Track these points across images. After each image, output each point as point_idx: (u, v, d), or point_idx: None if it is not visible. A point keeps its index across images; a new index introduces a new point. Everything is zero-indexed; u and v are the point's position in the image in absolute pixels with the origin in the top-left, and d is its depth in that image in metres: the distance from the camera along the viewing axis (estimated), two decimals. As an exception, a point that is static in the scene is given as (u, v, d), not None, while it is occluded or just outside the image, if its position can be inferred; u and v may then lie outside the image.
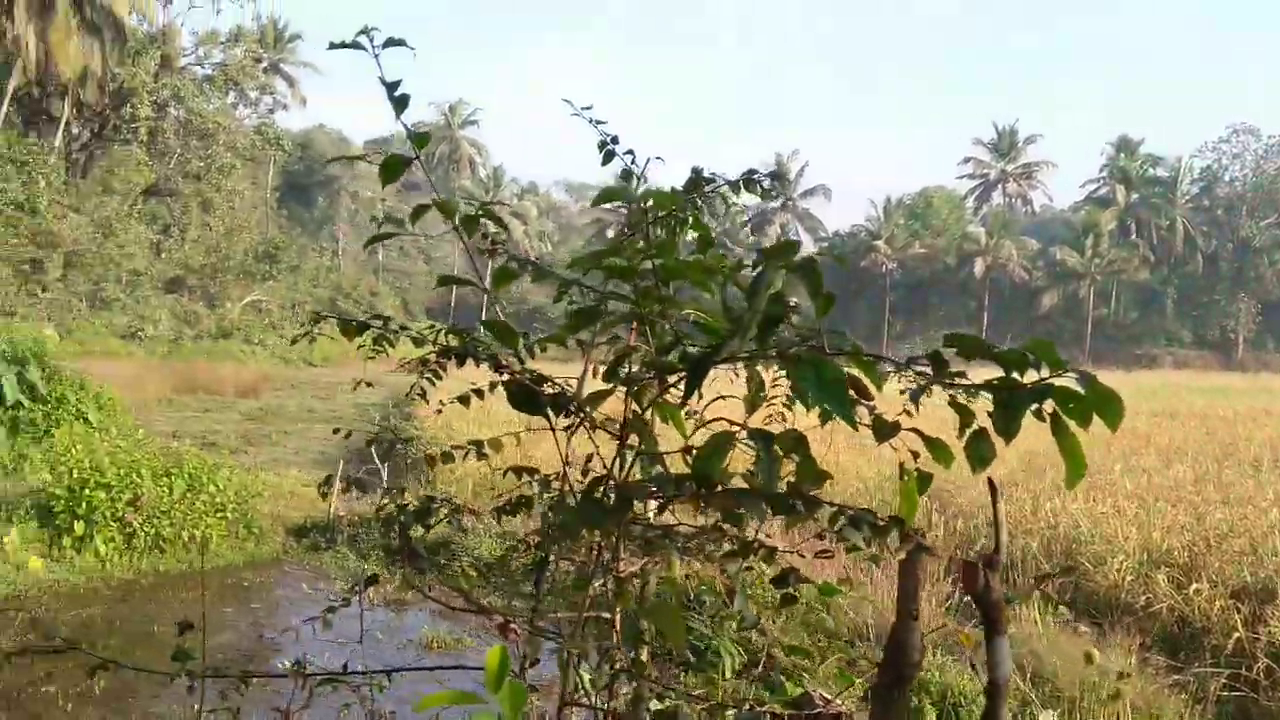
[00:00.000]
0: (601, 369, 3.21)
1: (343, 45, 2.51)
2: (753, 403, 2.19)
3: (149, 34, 47.81)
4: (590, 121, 3.24)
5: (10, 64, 36.07)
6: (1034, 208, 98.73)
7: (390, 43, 2.52)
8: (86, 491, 12.64)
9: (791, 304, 1.92)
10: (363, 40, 2.49)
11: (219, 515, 13.57)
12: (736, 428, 2.10)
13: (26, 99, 45.04)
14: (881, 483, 14.79)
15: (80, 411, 17.79)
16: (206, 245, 56.48)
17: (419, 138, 2.61)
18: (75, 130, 50.08)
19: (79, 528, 12.55)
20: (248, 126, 58.35)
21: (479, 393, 3.35)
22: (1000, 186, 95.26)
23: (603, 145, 3.29)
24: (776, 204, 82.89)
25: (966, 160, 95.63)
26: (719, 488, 1.90)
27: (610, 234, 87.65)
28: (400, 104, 2.58)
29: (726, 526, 2.10)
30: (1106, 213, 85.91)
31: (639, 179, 3.33)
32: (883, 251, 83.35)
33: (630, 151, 3.27)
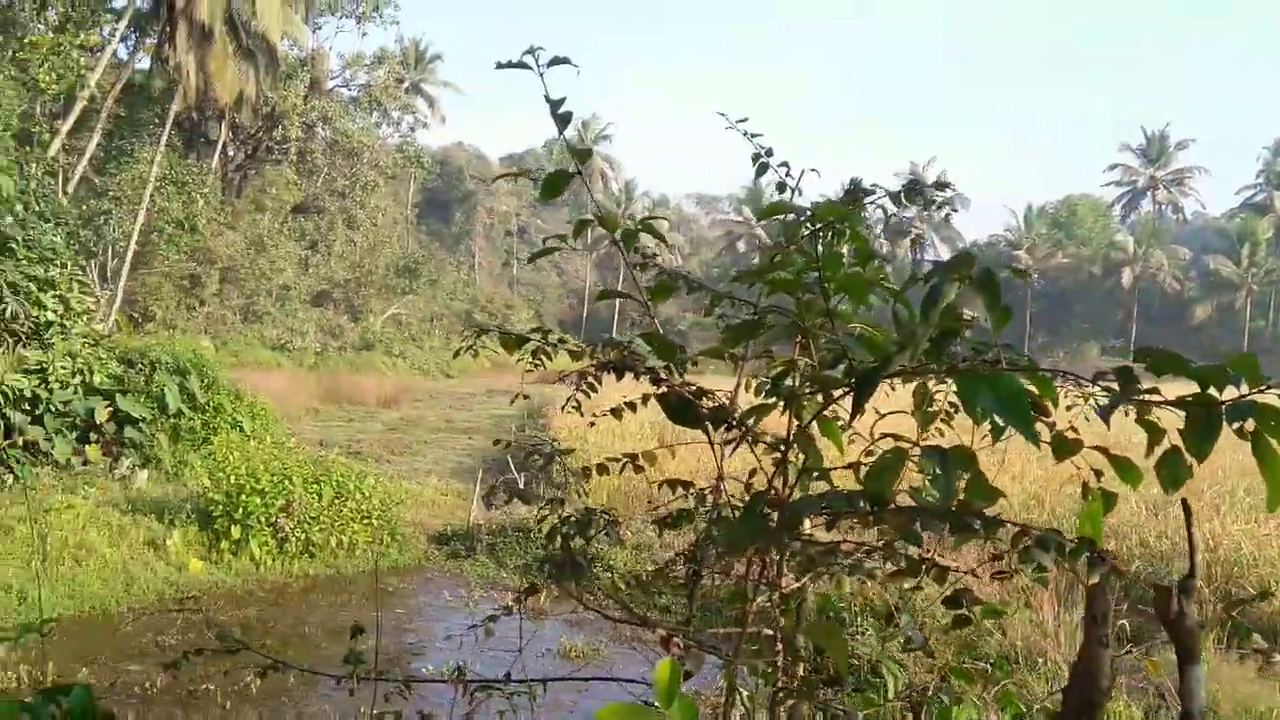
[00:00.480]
0: (753, 382, 3.20)
1: (509, 65, 2.57)
2: (925, 418, 2.14)
3: (299, 59, 49.87)
4: (745, 135, 3.23)
5: (172, 90, 38.02)
6: (1185, 215, 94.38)
7: (555, 61, 2.57)
8: (243, 497, 13.21)
9: (967, 317, 1.88)
10: (529, 60, 2.54)
11: (364, 522, 14.01)
12: (905, 443, 2.06)
13: (186, 123, 47.46)
14: (1026, 500, 14.36)
15: (235, 420, 18.59)
16: (350, 260, 58.53)
17: (580, 154, 2.65)
18: (231, 152, 52.56)
19: (235, 532, 13.12)
20: (390, 145, 60.22)
21: (631, 405, 3.37)
22: (1149, 194, 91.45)
23: (756, 158, 3.28)
24: (910, 213, 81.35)
25: (1113, 167, 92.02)
26: (891, 505, 1.87)
27: (741, 246, 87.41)
28: (563, 121, 2.62)
29: (898, 545, 2.06)
30: (1264, 220, 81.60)
31: (793, 191, 3.31)
32: (1024, 261, 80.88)
33: (785, 164, 3.25)
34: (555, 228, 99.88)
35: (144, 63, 41.22)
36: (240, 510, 13.20)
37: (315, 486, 13.79)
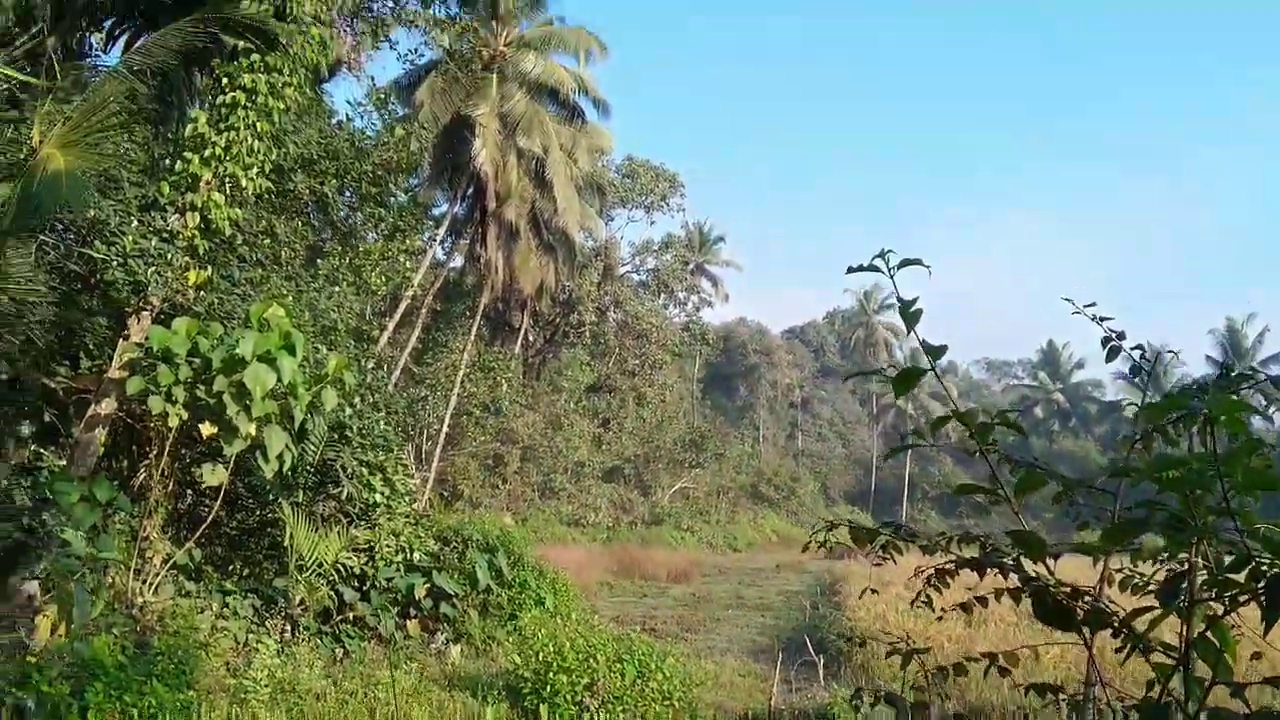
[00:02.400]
0: (1116, 576, 3.02)
1: (860, 269, 2.65)
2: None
3: (593, 249, 53.41)
4: (1094, 319, 3.14)
5: (481, 285, 41.45)
6: None
7: (905, 263, 2.63)
8: (550, 675, 13.50)
9: None
10: (879, 264, 2.61)
11: (666, 703, 13.93)
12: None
13: (492, 312, 51.44)
14: None
15: (539, 596, 19.22)
16: (640, 436, 60.44)
17: (934, 351, 2.65)
18: (531, 337, 56.30)
19: (544, 711, 13.37)
20: (677, 324, 62.58)
21: (983, 600, 3.25)
22: None
23: (1106, 342, 3.19)
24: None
25: None
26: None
27: (1038, 412, 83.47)
28: (914, 319, 2.65)
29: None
30: None
31: (1147, 375, 3.17)
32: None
33: (1139, 347, 3.13)
34: (838, 399, 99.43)
35: (456, 260, 45.34)
36: (548, 688, 13.48)
37: (619, 665, 13.91)
